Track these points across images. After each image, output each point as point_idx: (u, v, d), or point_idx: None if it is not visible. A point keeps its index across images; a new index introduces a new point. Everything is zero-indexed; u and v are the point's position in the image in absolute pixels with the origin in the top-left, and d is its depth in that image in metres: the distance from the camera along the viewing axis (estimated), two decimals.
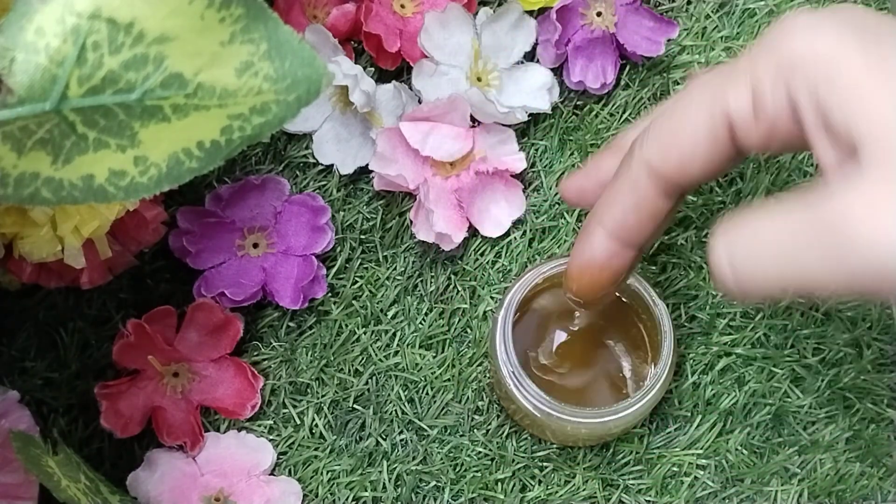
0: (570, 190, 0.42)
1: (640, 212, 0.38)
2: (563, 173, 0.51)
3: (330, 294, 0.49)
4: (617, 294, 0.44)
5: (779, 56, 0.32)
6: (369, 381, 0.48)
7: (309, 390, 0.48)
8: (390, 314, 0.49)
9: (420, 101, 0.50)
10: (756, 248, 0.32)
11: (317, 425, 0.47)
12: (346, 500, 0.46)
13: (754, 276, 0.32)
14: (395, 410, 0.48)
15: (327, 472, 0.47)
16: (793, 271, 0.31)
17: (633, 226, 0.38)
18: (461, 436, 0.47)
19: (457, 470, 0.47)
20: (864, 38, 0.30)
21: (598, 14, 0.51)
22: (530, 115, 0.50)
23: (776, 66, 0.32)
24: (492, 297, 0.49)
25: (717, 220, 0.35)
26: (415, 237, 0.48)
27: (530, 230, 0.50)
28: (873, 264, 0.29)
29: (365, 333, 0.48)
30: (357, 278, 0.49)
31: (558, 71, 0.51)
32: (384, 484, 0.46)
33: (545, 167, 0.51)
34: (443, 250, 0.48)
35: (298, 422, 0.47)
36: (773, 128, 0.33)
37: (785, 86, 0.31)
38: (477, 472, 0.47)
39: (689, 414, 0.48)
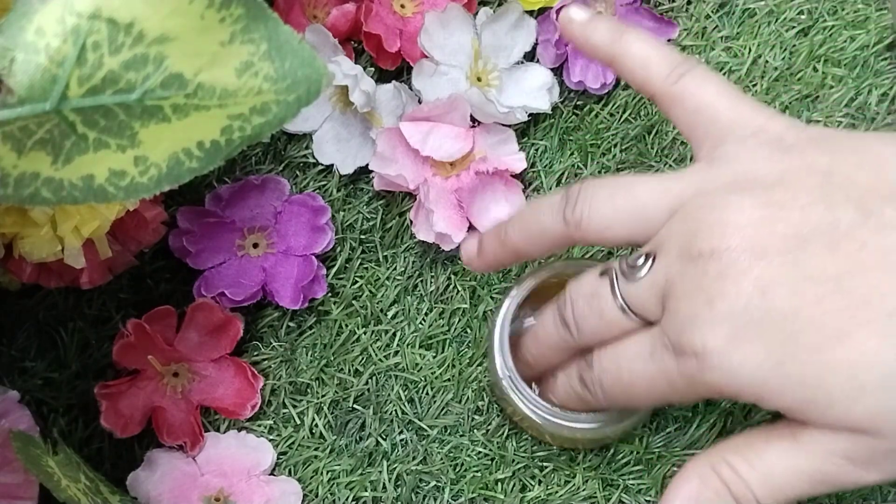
0: (465, 260, 0.45)
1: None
2: (563, 173, 0.51)
3: (330, 294, 0.49)
4: None
5: None
6: (369, 381, 0.48)
7: (309, 390, 0.48)
8: (390, 314, 0.49)
9: (420, 101, 0.50)
10: None
11: (317, 425, 0.47)
12: (346, 500, 0.46)
13: None
14: (395, 410, 0.48)
15: (327, 472, 0.47)
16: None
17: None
18: (461, 436, 0.47)
19: (457, 470, 0.47)
20: None
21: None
22: (530, 115, 0.50)
23: None
24: (492, 298, 0.49)
25: None
26: (415, 237, 0.48)
27: None
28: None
29: (365, 333, 0.48)
30: (357, 278, 0.49)
31: (558, 71, 0.51)
32: (384, 484, 0.46)
33: (545, 167, 0.51)
34: (443, 250, 0.48)
35: (298, 422, 0.47)
36: None
37: None
38: (477, 472, 0.47)
39: (689, 414, 0.48)
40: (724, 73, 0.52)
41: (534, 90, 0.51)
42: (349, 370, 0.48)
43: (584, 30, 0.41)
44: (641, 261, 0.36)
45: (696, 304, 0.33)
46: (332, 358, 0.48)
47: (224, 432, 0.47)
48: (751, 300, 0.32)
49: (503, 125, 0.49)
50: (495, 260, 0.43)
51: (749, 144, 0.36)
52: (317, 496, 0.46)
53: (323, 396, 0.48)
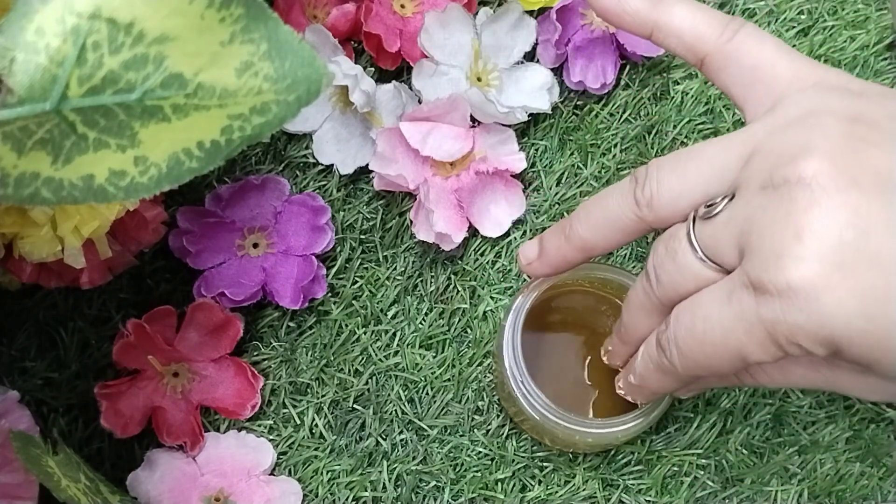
0: (524, 264, 0.42)
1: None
2: (563, 173, 0.51)
3: (330, 294, 0.49)
4: None
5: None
6: (369, 381, 0.48)
7: (309, 390, 0.48)
8: (390, 314, 0.49)
9: (420, 101, 0.50)
10: None
11: (317, 425, 0.47)
12: (346, 500, 0.46)
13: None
14: (395, 410, 0.48)
15: (327, 472, 0.47)
16: None
17: None
18: (461, 436, 0.47)
19: (457, 470, 0.47)
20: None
21: None
22: (530, 115, 0.50)
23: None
24: (492, 297, 0.49)
25: None
26: (415, 237, 0.48)
27: (530, 230, 0.50)
28: None
29: (365, 333, 0.48)
30: (357, 278, 0.49)
31: (558, 71, 0.51)
32: (384, 484, 0.46)
33: (545, 167, 0.51)
34: (443, 250, 0.48)
35: (298, 422, 0.47)
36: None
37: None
38: (477, 472, 0.47)
39: (689, 414, 0.48)
40: None
41: (534, 90, 0.51)
42: (349, 370, 0.48)
43: (618, 1, 0.39)
44: (719, 199, 0.33)
45: (782, 237, 0.30)
46: (332, 358, 0.48)
47: (224, 432, 0.47)
48: (844, 234, 0.29)
49: (503, 125, 0.50)
50: (561, 259, 0.40)
51: (813, 91, 0.34)
52: (317, 496, 0.46)
53: (323, 396, 0.48)
